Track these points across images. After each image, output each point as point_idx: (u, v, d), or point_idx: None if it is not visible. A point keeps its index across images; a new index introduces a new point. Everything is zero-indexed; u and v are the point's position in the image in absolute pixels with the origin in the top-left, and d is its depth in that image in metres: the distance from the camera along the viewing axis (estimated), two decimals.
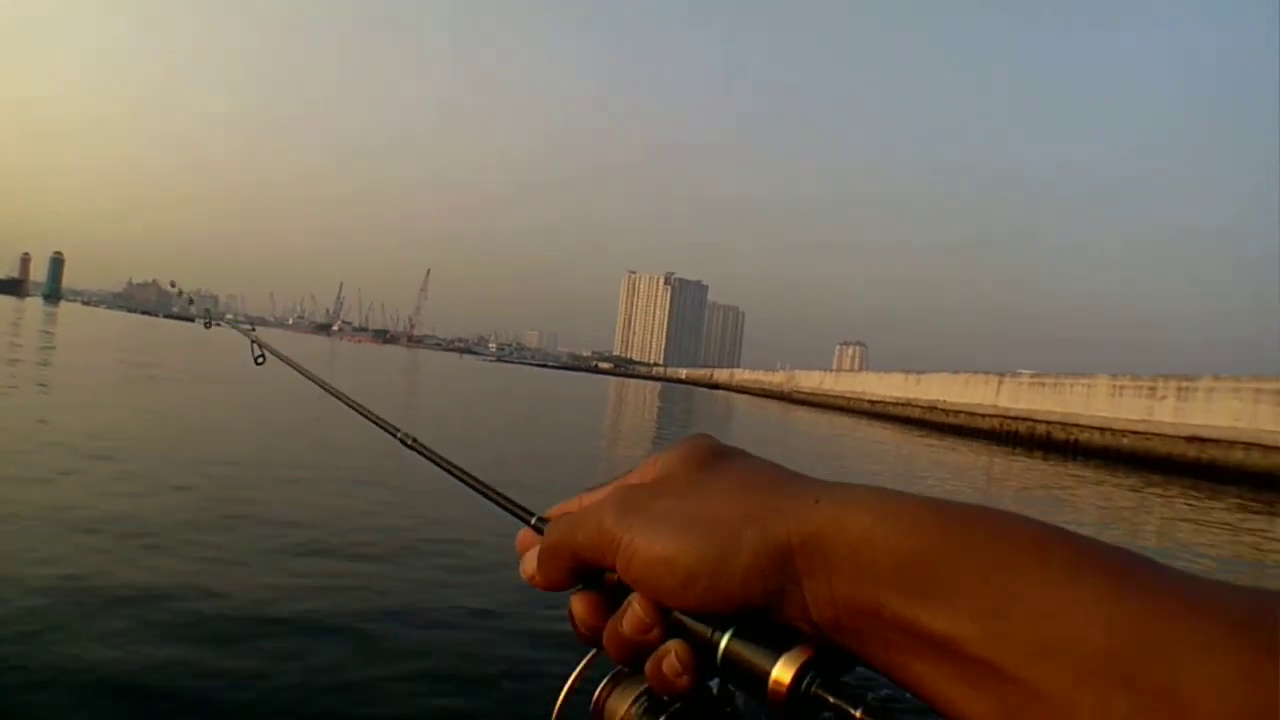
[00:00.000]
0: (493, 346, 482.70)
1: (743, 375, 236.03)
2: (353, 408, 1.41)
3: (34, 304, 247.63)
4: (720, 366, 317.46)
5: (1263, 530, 28.12)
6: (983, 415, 79.76)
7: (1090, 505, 33.13)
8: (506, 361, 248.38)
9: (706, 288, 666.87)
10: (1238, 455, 49.12)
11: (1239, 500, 37.93)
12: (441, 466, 1.18)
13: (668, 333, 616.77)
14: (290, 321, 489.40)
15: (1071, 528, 0.59)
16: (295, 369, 1.75)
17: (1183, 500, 36.70)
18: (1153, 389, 58.26)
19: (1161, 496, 36.82)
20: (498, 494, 1.05)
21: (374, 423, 1.35)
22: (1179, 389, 55.79)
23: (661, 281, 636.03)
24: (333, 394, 1.52)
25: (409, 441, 1.29)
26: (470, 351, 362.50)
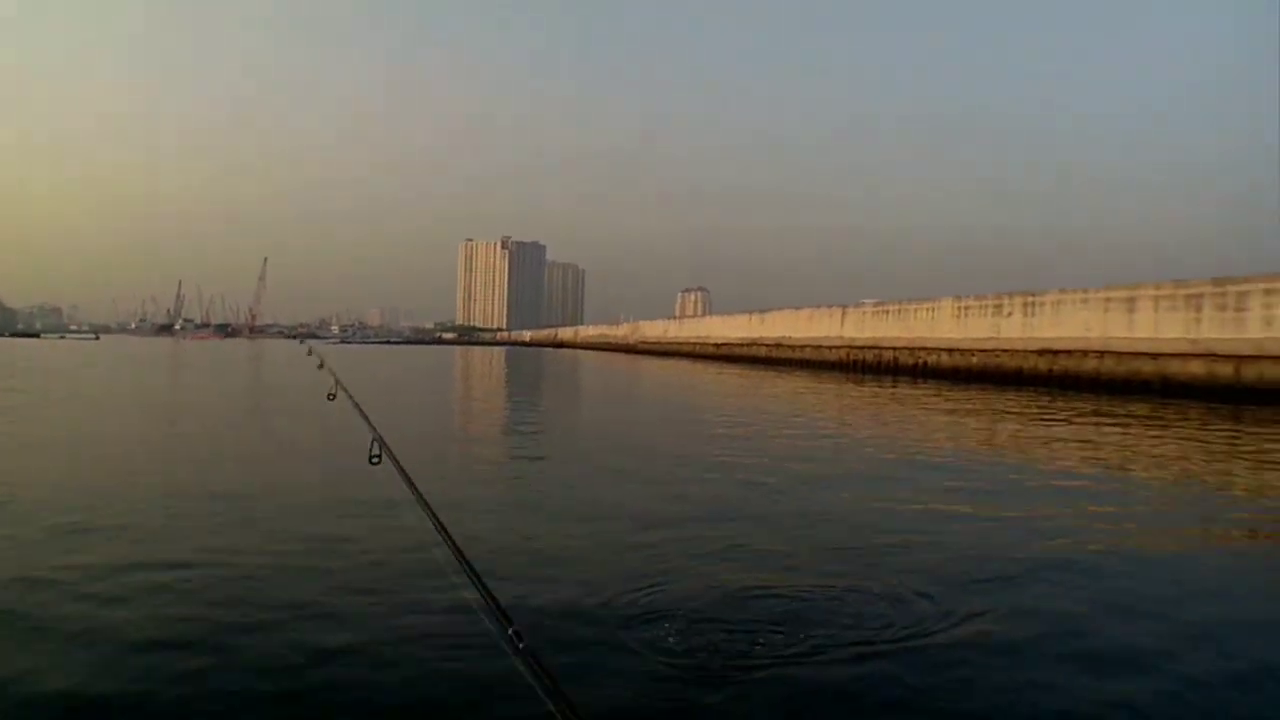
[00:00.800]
0: (335, 329, 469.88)
1: (587, 332, 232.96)
2: None
3: None
4: (564, 326, 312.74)
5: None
6: (830, 347, 78.43)
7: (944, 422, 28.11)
8: (349, 343, 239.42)
9: (544, 248, 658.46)
10: (1091, 364, 48.17)
11: (1094, 408, 35.77)
12: None
13: (509, 297, 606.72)
14: (133, 326, 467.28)
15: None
16: None
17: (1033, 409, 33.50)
18: (998, 306, 57.15)
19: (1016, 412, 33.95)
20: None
21: None
22: (1025, 304, 54.64)
23: (499, 246, 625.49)
24: None
25: None
26: (313, 336, 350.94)
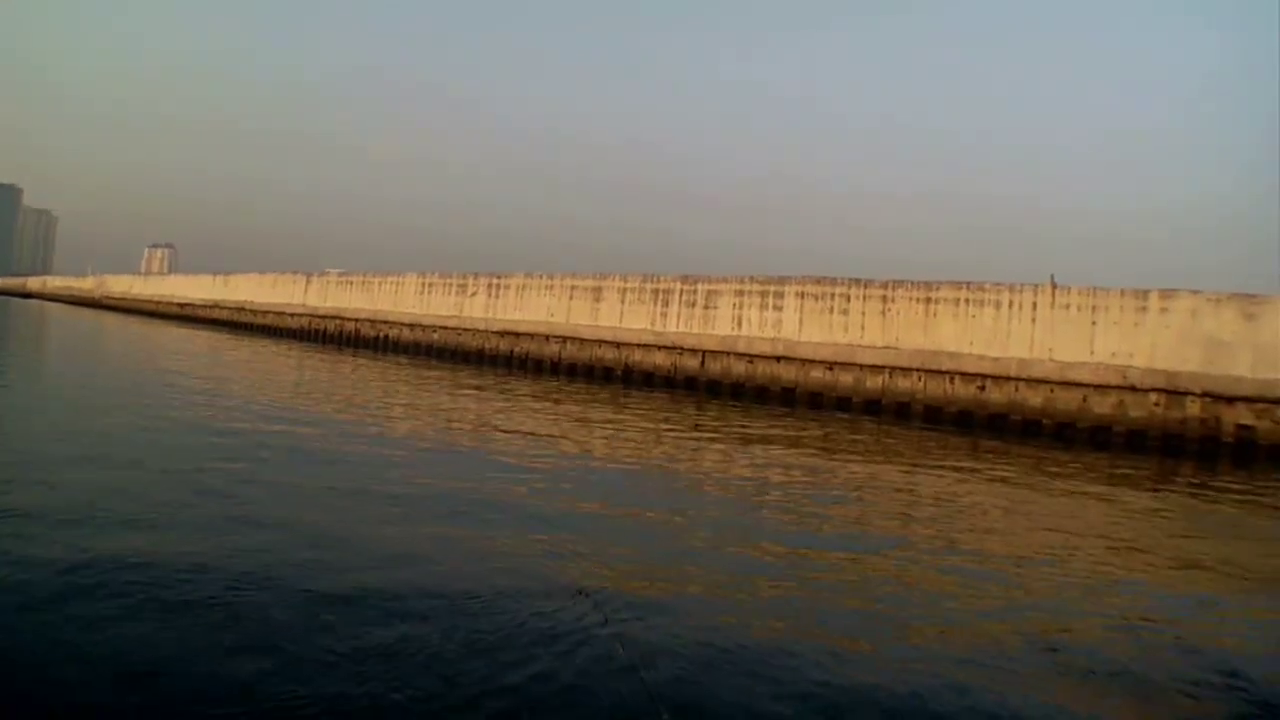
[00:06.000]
0: None
1: (55, 283, 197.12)
2: None
3: None
4: (34, 274, 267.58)
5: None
6: (291, 314, 66.08)
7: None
8: None
9: (21, 191, 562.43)
10: (553, 348, 40.80)
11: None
12: None
13: None
14: None
15: None
16: None
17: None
18: (463, 286, 48.41)
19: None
20: None
21: None
22: (490, 285, 46.36)
23: None
24: None
25: None
26: None
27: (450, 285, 49.53)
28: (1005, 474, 18.84)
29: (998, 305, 28.12)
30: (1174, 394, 24.69)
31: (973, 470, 19.11)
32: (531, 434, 20.62)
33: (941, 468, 19.21)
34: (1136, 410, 25.16)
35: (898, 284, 30.20)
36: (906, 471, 18.59)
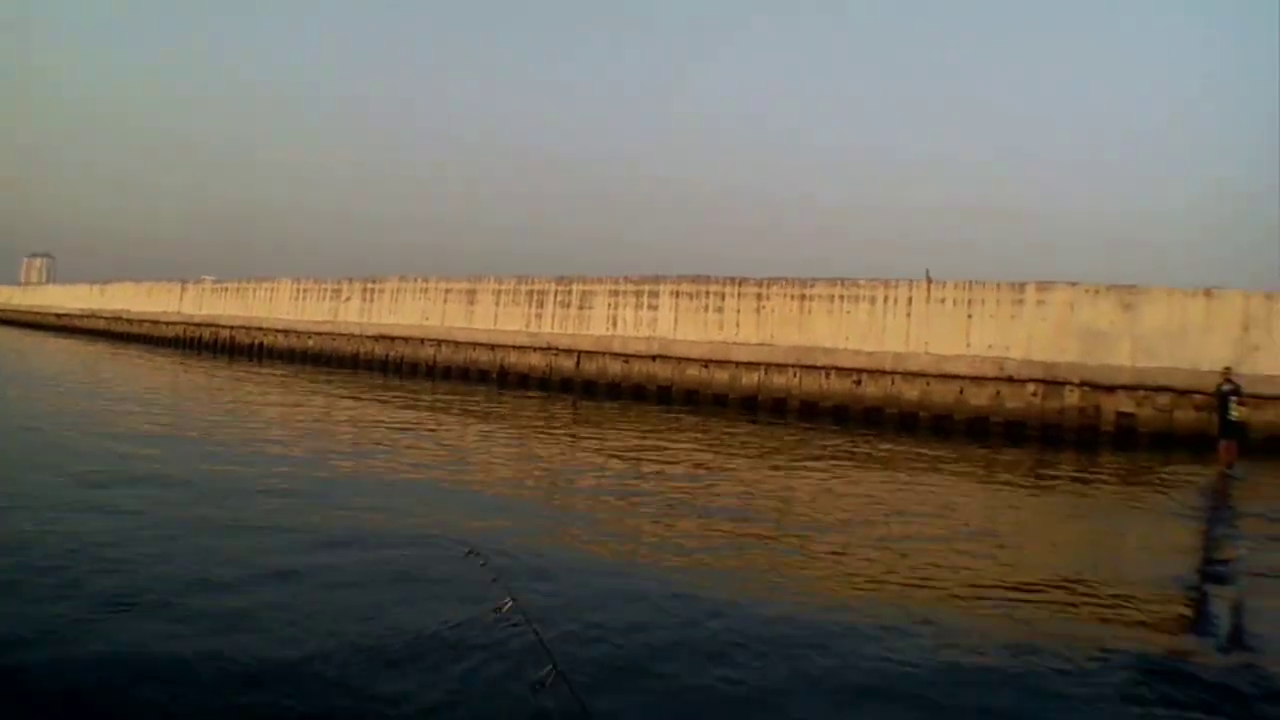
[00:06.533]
0: None
1: None
2: None
3: None
4: None
5: None
6: (167, 323, 62.82)
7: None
8: None
9: None
10: (428, 351, 38.73)
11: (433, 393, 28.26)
12: None
13: None
14: None
15: None
16: None
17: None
18: (338, 291, 45.88)
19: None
20: None
21: None
22: (365, 290, 43.96)
23: None
24: None
25: None
26: None
27: (325, 291, 46.98)
28: (870, 466, 17.62)
29: (873, 300, 27.17)
30: (1052, 384, 24.13)
31: (839, 462, 17.80)
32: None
33: (814, 460, 17.88)
34: (1014, 401, 24.47)
35: (773, 281, 29.05)
36: (776, 468, 17.23)
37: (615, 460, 16.99)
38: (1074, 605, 8.44)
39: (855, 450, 19.90)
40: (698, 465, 16.43)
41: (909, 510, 13.20)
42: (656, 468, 15.83)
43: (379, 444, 17.86)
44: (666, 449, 18.65)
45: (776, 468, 17.11)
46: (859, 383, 26.46)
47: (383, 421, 21.68)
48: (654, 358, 30.59)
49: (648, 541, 10.46)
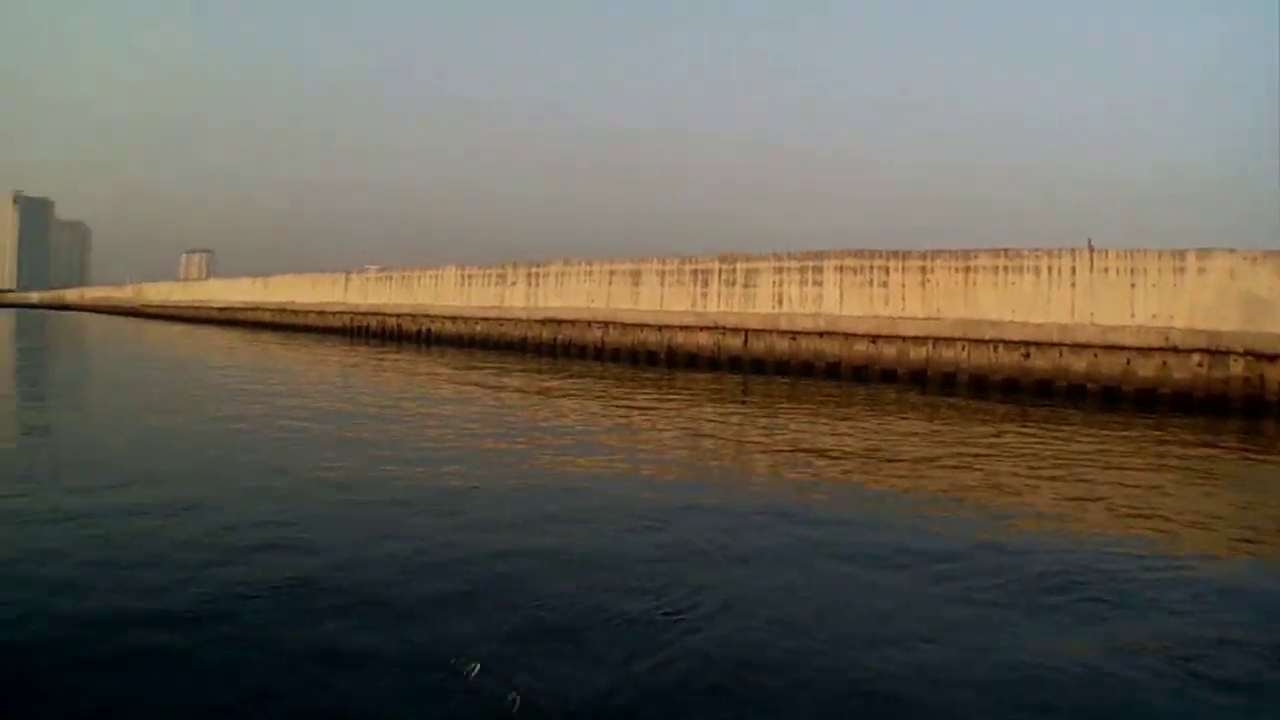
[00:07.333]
0: None
1: (93, 293, 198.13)
2: None
3: None
4: (70, 287, 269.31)
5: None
6: (333, 313, 66.88)
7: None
8: None
9: (53, 204, 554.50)
10: (595, 334, 41.10)
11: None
12: None
13: (18, 256, 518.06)
14: None
15: None
16: None
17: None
18: (502, 276, 48.79)
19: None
20: None
21: None
22: (530, 275, 46.70)
23: (10, 201, 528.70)
24: None
25: None
26: None
27: (490, 276, 49.92)
28: (1062, 439, 18.91)
29: (1037, 271, 28.06)
30: (1216, 354, 24.42)
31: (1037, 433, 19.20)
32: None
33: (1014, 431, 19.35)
34: (1180, 372, 24.97)
35: (936, 254, 30.15)
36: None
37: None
38: None
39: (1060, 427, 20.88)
40: None
41: None
42: None
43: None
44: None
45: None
46: (1028, 355, 27.54)
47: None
48: (821, 334, 32.13)
49: None
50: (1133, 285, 26.19)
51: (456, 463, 14.15)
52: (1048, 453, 16.70)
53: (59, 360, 42.80)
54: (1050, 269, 27.81)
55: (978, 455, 16.42)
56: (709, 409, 23.37)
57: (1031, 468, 15.10)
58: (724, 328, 35.22)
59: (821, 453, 16.59)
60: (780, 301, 33.73)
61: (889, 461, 15.86)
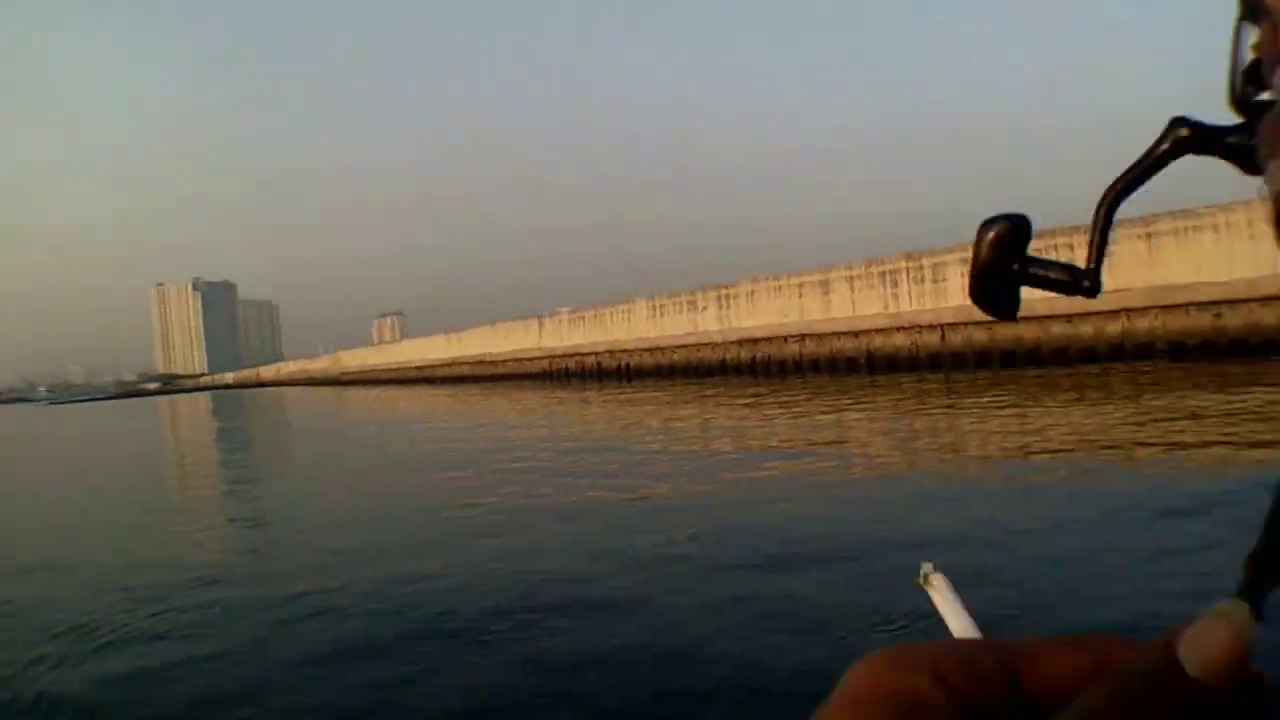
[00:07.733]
0: (43, 390, 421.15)
1: (288, 368, 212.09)
2: None
3: None
4: (264, 364, 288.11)
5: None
6: (530, 359, 71.07)
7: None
8: (59, 403, 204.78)
9: (235, 286, 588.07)
10: (792, 348, 44.05)
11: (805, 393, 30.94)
12: None
13: (206, 340, 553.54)
14: None
15: None
16: None
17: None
18: (693, 302, 52.22)
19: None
20: None
21: None
22: (719, 297, 50.02)
23: (190, 288, 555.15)
24: None
25: None
26: (23, 399, 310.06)
27: (680, 304, 53.31)
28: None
29: (1215, 229, 29.14)
30: None
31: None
32: None
33: None
34: None
35: (1117, 224, 31.19)
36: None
37: None
38: None
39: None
40: None
41: None
42: None
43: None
44: None
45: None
46: (1219, 316, 28.47)
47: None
48: (1018, 320, 33.71)
49: None
50: None
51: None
52: None
53: (287, 437, 38.18)
54: (1228, 225, 28.77)
55: None
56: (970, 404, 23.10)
57: None
58: (919, 325, 37.48)
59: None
60: None
61: None
